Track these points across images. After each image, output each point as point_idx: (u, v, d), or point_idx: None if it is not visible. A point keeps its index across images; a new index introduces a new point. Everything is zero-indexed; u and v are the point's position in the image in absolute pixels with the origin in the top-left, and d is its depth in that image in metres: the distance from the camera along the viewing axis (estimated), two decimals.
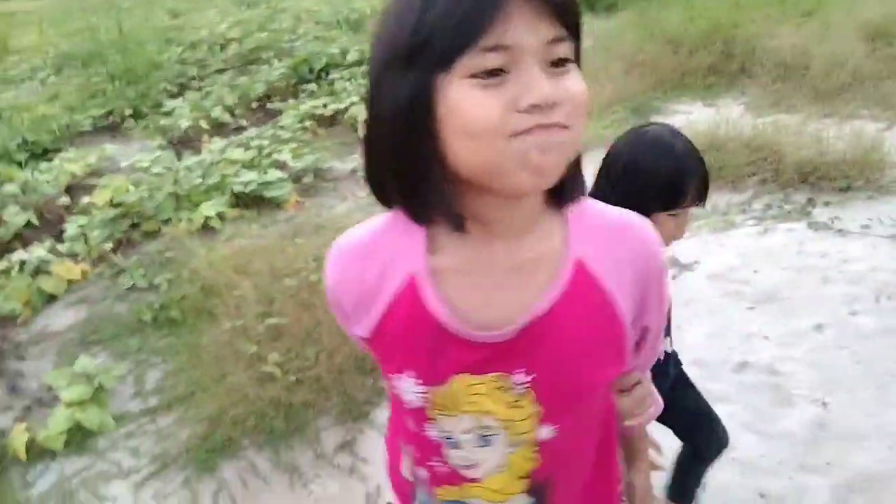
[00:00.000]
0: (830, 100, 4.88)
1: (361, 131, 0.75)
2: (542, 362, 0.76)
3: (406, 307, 0.76)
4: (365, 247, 0.78)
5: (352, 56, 6.89)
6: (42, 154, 4.91)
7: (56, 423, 2.40)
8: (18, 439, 2.35)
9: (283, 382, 2.48)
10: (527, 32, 0.62)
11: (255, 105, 6.17)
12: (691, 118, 4.71)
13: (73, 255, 3.45)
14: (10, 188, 3.93)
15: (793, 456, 2.10)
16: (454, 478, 0.85)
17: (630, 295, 0.78)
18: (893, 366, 2.41)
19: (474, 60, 0.61)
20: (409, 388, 0.79)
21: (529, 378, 0.76)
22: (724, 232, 3.44)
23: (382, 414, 2.41)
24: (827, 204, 3.58)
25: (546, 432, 0.79)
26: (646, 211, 1.03)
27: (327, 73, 6.73)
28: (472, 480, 0.84)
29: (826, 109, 4.74)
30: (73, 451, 2.41)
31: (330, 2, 10.77)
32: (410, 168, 0.69)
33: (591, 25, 7.43)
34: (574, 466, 0.86)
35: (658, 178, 1.29)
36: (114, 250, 3.47)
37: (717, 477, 2.04)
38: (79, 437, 2.45)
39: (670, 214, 1.32)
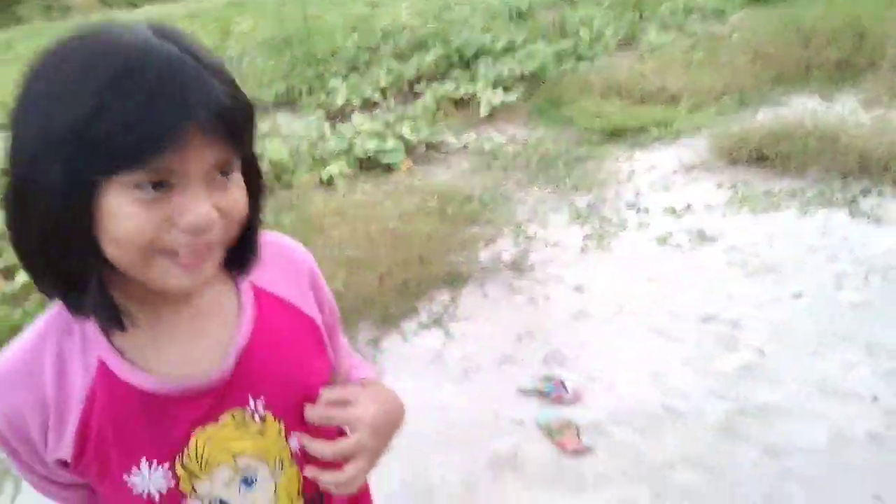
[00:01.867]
0: None
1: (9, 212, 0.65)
2: (265, 382, 0.77)
3: (107, 394, 0.71)
4: (25, 364, 0.71)
5: (500, 44, 7.53)
6: None
7: None
8: None
9: (345, 299, 3.27)
10: (196, 160, 0.62)
11: (406, 87, 7.05)
12: (812, 113, 4.61)
13: None
14: None
15: (710, 386, 2.51)
16: None
17: (305, 297, 0.85)
18: (845, 331, 2.67)
19: (141, 175, 0.60)
20: (152, 477, 0.73)
21: (261, 400, 0.77)
22: (764, 212, 3.70)
23: (407, 325, 3.11)
24: (880, 194, 3.69)
25: (295, 443, 0.80)
26: None
27: (476, 60, 7.44)
28: None
29: None
30: None
31: None
32: (64, 261, 0.65)
33: (732, 17, 7.49)
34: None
35: None
36: None
37: (639, 390, 2.53)
38: None
39: None
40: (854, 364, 2.49)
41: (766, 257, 3.27)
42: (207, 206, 0.63)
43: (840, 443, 2.21)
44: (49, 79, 0.62)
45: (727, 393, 2.47)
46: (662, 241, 3.57)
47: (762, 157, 4.21)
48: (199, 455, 0.75)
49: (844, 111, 4.81)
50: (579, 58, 6.67)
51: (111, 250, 0.64)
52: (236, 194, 0.68)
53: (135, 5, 21.21)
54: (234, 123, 0.63)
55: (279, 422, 0.79)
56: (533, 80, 6.26)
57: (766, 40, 6.23)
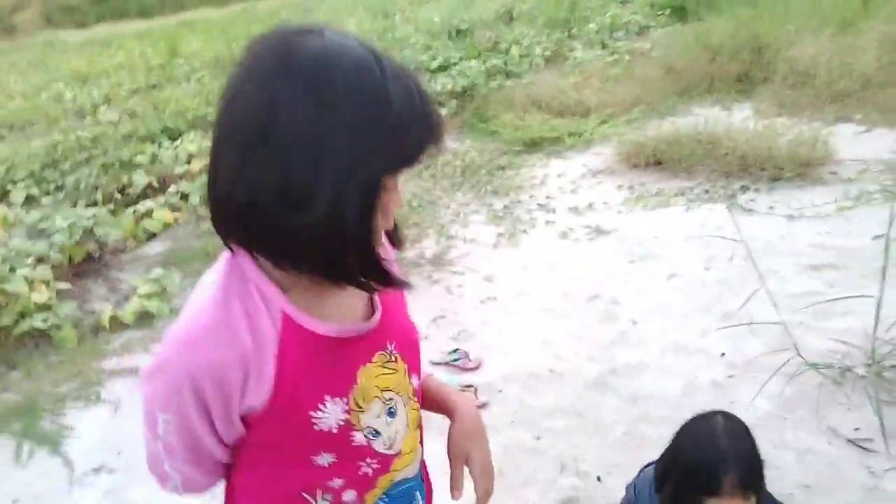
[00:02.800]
0: (830, 105, 5.32)
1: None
2: (394, 331, 0.94)
3: (294, 341, 0.81)
4: (221, 322, 0.78)
5: (437, 62, 7.98)
6: (176, 137, 6.45)
7: (130, 307, 3.70)
8: (105, 315, 3.67)
9: None
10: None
11: None
12: (703, 121, 5.04)
13: (173, 207, 4.84)
14: (142, 158, 5.46)
15: (588, 351, 2.95)
16: (383, 466, 0.92)
17: None
18: (706, 303, 3.14)
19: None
20: (333, 412, 0.84)
21: (394, 345, 0.93)
22: (654, 210, 4.19)
23: None
24: (757, 191, 4.21)
25: (415, 381, 0.98)
26: (688, 492, 1.38)
27: None
28: (397, 456, 0.93)
29: (821, 114, 5.20)
30: (139, 326, 3.68)
31: (443, 12, 12.01)
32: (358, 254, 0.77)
33: (654, 33, 8.09)
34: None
35: (692, 460, 1.45)
36: (202, 204, 4.81)
37: (529, 357, 2.95)
38: (145, 318, 3.72)
39: (716, 499, 1.39)
40: (709, 329, 2.95)
41: (650, 246, 3.74)
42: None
43: (690, 390, 2.65)
44: (331, 98, 0.71)
45: (601, 356, 2.91)
46: (564, 235, 4.03)
47: (658, 161, 4.72)
48: (363, 391, 0.88)
49: (738, 120, 5.35)
50: (508, 74, 7.15)
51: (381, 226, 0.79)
52: None
53: (83, 25, 21.21)
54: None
55: (405, 362, 0.95)
56: (465, 96, 6.72)
57: (678, 55, 6.80)
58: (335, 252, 0.75)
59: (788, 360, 2.53)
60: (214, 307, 0.78)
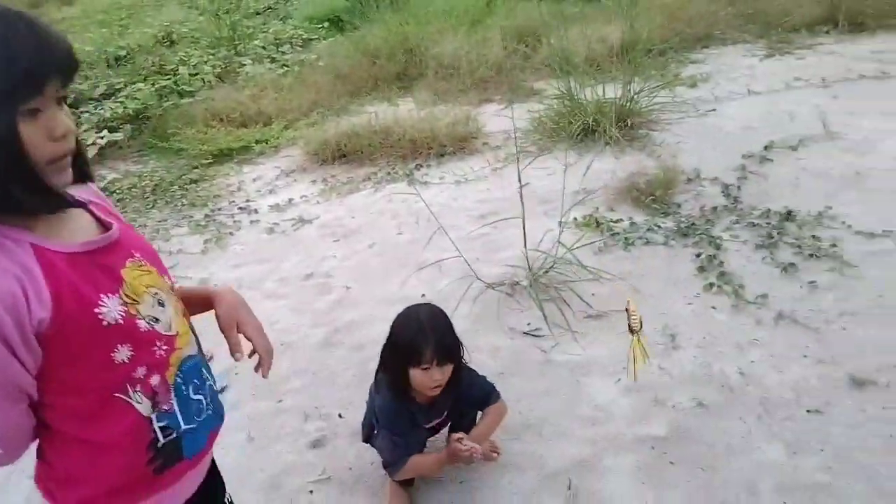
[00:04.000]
0: (474, 90, 6.27)
1: None
2: (135, 245, 1.13)
3: (52, 261, 0.96)
4: None
5: (100, 89, 7.56)
6: None
7: None
8: None
9: None
10: (51, 93, 0.93)
11: None
12: (374, 116, 5.72)
13: None
14: None
15: (311, 321, 3.24)
16: (170, 346, 1.11)
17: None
18: (403, 260, 3.63)
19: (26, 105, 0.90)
20: (112, 305, 1.01)
21: (139, 254, 1.12)
22: (348, 195, 4.62)
23: None
24: (429, 167, 4.87)
25: (167, 280, 1.18)
26: (399, 366, 1.77)
27: (76, 107, 7.36)
28: (176, 336, 1.13)
29: (468, 98, 6.11)
30: None
31: (96, 42, 11.30)
32: (19, 182, 0.92)
33: (318, 45, 8.61)
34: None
35: (400, 342, 1.89)
36: None
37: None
38: None
39: (420, 369, 1.85)
40: (406, 279, 3.42)
41: (349, 225, 4.15)
42: (66, 119, 0.96)
43: None
44: None
45: (324, 321, 3.22)
46: (270, 230, 4.26)
47: (343, 154, 5.17)
48: (131, 287, 1.06)
49: (404, 111, 6.03)
50: (181, 94, 7.08)
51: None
52: (67, 111, 0.98)
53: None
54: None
55: (153, 266, 1.14)
56: (139, 119, 6.53)
57: (344, 63, 7.37)
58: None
59: (471, 285, 3.10)
60: None
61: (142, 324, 1.06)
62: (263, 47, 8.82)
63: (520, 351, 2.82)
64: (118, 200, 5.02)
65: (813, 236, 3.25)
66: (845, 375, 2.45)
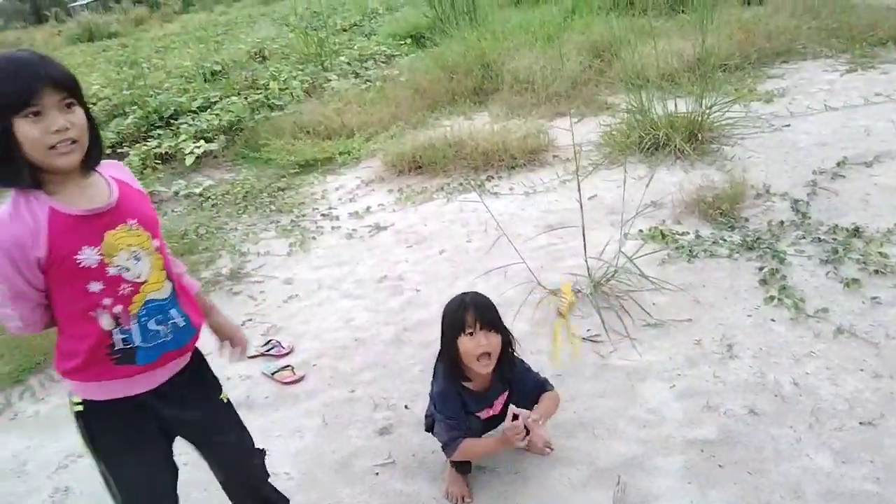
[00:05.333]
0: (547, 104, 6.41)
1: None
2: (132, 213, 1.55)
3: (57, 219, 1.43)
4: (14, 216, 1.42)
5: (197, 102, 8.13)
6: None
7: None
8: None
9: None
10: (50, 102, 1.39)
11: (108, 151, 7.33)
12: (450, 130, 5.95)
13: None
14: None
15: (384, 319, 3.47)
16: (135, 289, 1.54)
17: (136, 183, 1.67)
18: (471, 266, 3.82)
19: (25, 112, 1.37)
20: (90, 255, 1.46)
21: (135, 220, 1.55)
22: (422, 204, 4.86)
23: None
24: (500, 178, 5.05)
25: (156, 243, 1.59)
26: (449, 341, 2.08)
27: (176, 119, 7.95)
28: (144, 283, 1.55)
29: (541, 112, 6.26)
30: None
31: (194, 57, 12.07)
32: (4, 163, 1.40)
33: (400, 61, 8.95)
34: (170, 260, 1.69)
35: (447, 315, 2.19)
36: None
37: (335, 334, 3.39)
38: None
39: (466, 335, 2.10)
40: (474, 284, 3.60)
41: (422, 233, 4.38)
42: (62, 117, 1.41)
43: None
44: None
45: (395, 320, 3.45)
46: (349, 236, 4.54)
47: (419, 166, 5.42)
48: (109, 245, 1.49)
49: (478, 125, 6.24)
50: (271, 107, 7.54)
51: (27, 151, 1.40)
52: (79, 113, 1.46)
53: None
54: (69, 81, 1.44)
55: (147, 231, 1.58)
56: (232, 130, 7.00)
57: (423, 78, 7.67)
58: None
59: (532, 291, 3.26)
60: (9, 208, 1.43)
61: (112, 270, 1.50)
62: (348, 63, 9.25)
63: (579, 355, 2.95)
64: (213, 205, 5.43)
65: (880, 253, 3.24)
66: None
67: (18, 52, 1.42)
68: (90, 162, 1.52)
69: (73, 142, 1.43)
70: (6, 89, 1.36)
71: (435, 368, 2.33)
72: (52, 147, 1.40)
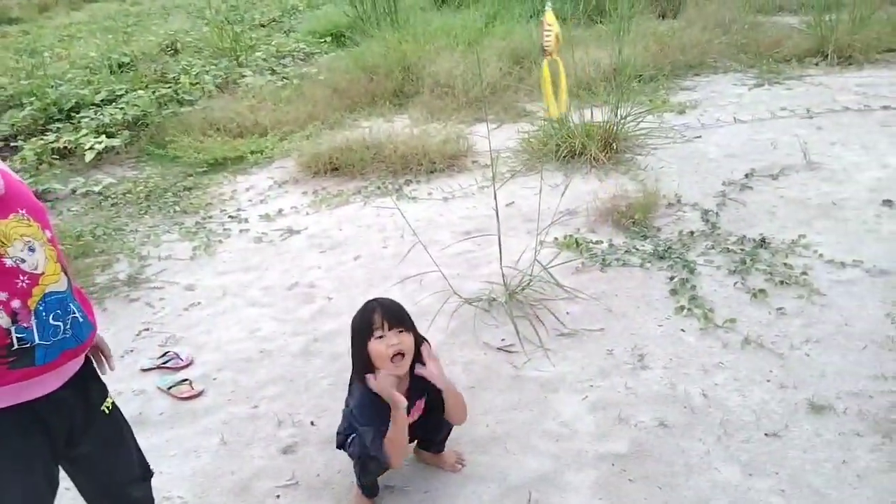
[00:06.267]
0: (467, 109, 6.36)
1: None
2: (23, 203, 1.45)
3: None
4: None
5: (101, 95, 7.66)
6: None
7: None
8: None
9: None
10: None
11: (0, 144, 6.81)
12: (368, 132, 5.80)
13: None
14: None
15: (293, 329, 3.31)
16: (33, 281, 1.44)
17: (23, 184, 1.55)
18: (386, 273, 3.70)
19: None
20: None
21: (24, 210, 1.45)
22: (337, 208, 4.70)
23: None
24: (418, 182, 4.95)
25: (48, 234, 1.49)
26: (360, 347, 1.97)
27: (77, 112, 7.46)
28: (42, 274, 1.45)
29: (462, 117, 6.20)
30: None
31: (101, 48, 11.44)
32: None
33: (319, 59, 8.74)
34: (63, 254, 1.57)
35: (355, 321, 2.09)
36: None
37: (239, 345, 3.20)
38: None
39: (375, 339, 2.00)
40: (389, 291, 3.49)
41: (336, 237, 4.23)
42: None
43: None
44: None
45: (304, 330, 3.29)
46: (259, 239, 4.34)
47: (335, 168, 5.26)
48: (3, 234, 1.39)
49: (398, 127, 6.13)
50: (181, 102, 7.18)
51: None
52: None
53: None
54: None
55: (37, 222, 1.47)
56: (137, 126, 6.63)
57: (343, 77, 7.48)
58: None
59: (448, 300, 3.18)
60: None
61: (8, 262, 1.39)
62: (265, 59, 8.94)
63: (492, 366, 2.89)
64: (112, 205, 5.11)
65: (785, 264, 3.33)
66: (805, 401, 2.51)
67: None
68: None
69: None
70: None
71: (350, 382, 2.20)
72: None
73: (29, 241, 1.44)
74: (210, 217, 4.77)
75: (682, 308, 3.10)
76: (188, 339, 3.35)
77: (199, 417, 2.77)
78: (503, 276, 3.29)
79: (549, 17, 2.88)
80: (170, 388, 2.95)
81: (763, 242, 3.52)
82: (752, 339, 2.86)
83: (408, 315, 2.09)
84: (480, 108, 6.36)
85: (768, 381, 2.64)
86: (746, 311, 3.04)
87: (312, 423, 2.67)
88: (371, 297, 2.16)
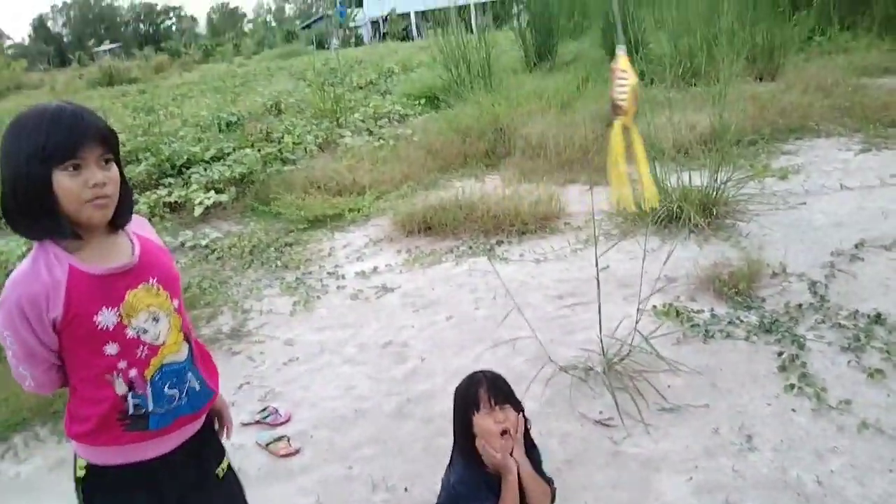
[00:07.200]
0: (559, 171, 6.39)
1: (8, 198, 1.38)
2: (154, 271, 1.51)
3: (77, 278, 1.39)
4: (32, 272, 1.39)
5: (210, 152, 8.15)
6: None
7: None
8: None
9: None
10: (91, 156, 1.36)
11: None
12: (461, 191, 5.89)
13: None
14: None
15: (386, 389, 3.34)
16: (152, 352, 1.49)
17: (159, 240, 1.63)
18: (479, 335, 3.70)
19: (66, 164, 1.35)
20: (108, 315, 1.42)
21: (156, 278, 1.51)
22: (430, 266, 4.77)
23: None
24: (510, 243, 4.98)
25: (175, 303, 1.54)
26: (464, 421, 1.93)
27: (188, 168, 7.96)
28: (162, 345, 1.51)
29: (553, 178, 6.23)
30: None
31: (210, 107, 12.23)
32: (46, 215, 1.37)
33: (414, 120, 9.02)
34: (189, 320, 1.65)
35: (459, 394, 2.06)
36: None
37: (335, 403, 3.26)
38: None
39: (481, 414, 1.95)
40: (481, 355, 3.49)
41: (429, 296, 4.28)
42: (100, 173, 1.38)
43: None
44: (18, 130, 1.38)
45: (398, 390, 3.32)
46: (355, 296, 4.44)
47: (429, 227, 5.36)
48: (130, 305, 1.45)
49: (490, 188, 6.22)
50: (284, 161, 7.56)
51: (65, 205, 1.37)
52: (114, 169, 1.42)
53: None
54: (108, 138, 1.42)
55: (166, 290, 1.53)
56: (243, 182, 6.99)
57: (436, 139, 7.70)
58: (24, 214, 1.39)
59: (543, 367, 3.14)
60: (28, 264, 1.40)
61: (130, 332, 1.46)
62: (363, 120, 9.32)
63: (589, 439, 2.81)
64: (218, 258, 5.37)
65: None
66: None
67: (64, 104, 1.41)
68: (118, 220, 1.49)
69: (107, 197, 1.41)
70: (52, 141, 1.34)
71: (451, 455, 2.18)
72: (87, 201, 1.38)
73: (154, 312, 1.49)
74: (309, 273, 4.94)
75: (791, 386, 2.94)
76: (286, 395, 3.43)
77: (295, 476, 2.82)
78: (602, 344, 3.22)
79: (623, 62, 2.39)
80: (268, 444, 3.02)
81: (878, 318, 3.33)
82: (869, 423, 2.68)
83: (513, 391, 2.06)
84: (572, 170, 6.38)
85: (891, 470, 2.45)
86: (862, 392, 2.86)
87: (406, 490, 2.66)
88: (466, 360, 2.16)
